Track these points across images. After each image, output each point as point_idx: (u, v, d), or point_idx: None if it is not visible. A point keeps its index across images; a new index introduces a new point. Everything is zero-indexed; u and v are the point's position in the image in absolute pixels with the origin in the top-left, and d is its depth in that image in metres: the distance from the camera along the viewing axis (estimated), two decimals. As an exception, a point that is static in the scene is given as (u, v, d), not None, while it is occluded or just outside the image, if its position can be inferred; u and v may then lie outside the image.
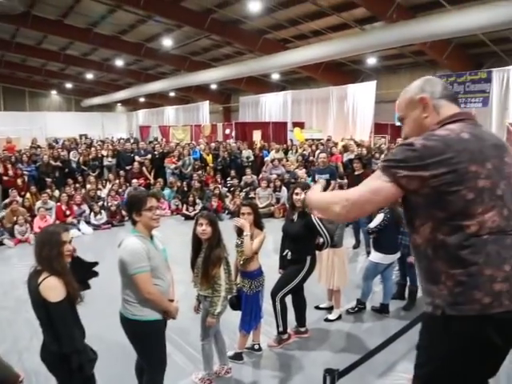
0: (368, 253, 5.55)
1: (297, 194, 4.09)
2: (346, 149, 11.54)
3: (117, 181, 11.32)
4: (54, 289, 2.33)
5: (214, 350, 3.57)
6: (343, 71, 18.53)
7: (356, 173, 7.25)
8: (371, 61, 16.04)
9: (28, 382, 3.67)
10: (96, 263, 2.84)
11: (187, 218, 10.15)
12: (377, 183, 1.58)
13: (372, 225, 4.57)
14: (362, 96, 15.52)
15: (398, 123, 14.62)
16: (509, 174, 1.57)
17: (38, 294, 2.33)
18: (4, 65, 23.83)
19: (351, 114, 16.02)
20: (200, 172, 11.99)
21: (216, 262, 3.20)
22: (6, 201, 9.29)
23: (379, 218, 4.51)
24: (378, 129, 15.51)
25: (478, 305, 1.45)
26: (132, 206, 2.69)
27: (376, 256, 4.64)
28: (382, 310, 4.87)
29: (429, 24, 10.91)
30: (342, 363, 2.52)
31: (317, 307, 4.94)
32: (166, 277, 2.78)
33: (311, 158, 11.93)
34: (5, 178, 10.26)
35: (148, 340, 2.76)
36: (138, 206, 2.64)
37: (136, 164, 12.02)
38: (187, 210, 10.41)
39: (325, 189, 7.43)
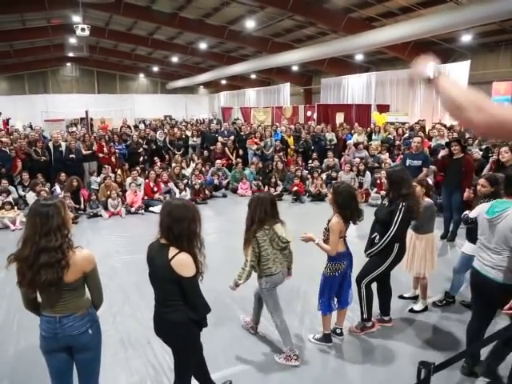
0: (450, 240, 5.20)
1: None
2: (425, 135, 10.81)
3: (200, 160, 11.69)
4: (188, 265, 2.42)
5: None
6: (433, 50, 17.26)
7: (455, 157, 6.63)
8: (466, 38, 14.76)
9: (121, 343, 3.98)
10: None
11: (268, 199, 10.19)
12: None
13: (472, 214, 3.89)
14: (453, 77, 14.38)
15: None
16: None
17: (170, 269, 2.40)
18: (99, 51, 25.56)
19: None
20: (281, 154, 11.98)
21: (244, 242, 3.49)
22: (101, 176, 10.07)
23: (482, 207, 3.73)
24: (471, 112, 14.33)
25: None
26: None
27: (470, 248, 4.27)
28: (473, 306, 4.57)
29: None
30: (427, 357, 2.38)
31: (401, 296, 4.75)
32: None
33: (397, 142, 11.41)
34: (100, 155, 11.01)
35: None
36: None
37: (219, 144, 12.31)
38: (268, 190, 10.45)
39: (416, 175, 6.94)
